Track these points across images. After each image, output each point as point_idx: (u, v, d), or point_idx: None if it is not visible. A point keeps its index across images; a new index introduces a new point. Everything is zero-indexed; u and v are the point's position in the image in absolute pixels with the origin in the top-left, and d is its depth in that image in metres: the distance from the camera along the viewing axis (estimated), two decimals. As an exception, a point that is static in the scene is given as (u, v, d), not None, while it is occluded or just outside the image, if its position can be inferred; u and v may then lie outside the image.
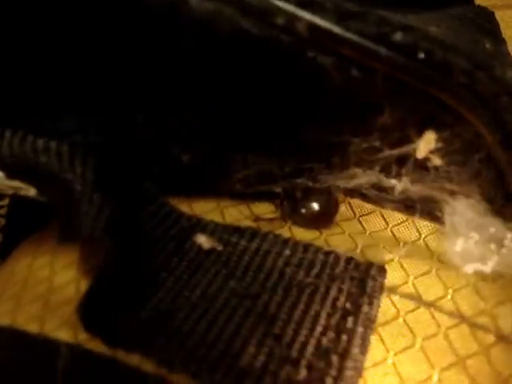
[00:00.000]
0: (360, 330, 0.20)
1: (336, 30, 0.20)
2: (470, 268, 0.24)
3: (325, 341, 0.20)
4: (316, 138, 0.22)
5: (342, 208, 0.26)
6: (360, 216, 0.26)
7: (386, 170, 0.24)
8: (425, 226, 0.26)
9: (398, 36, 0.21)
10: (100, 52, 0.21)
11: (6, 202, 0.27)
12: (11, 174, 0.21)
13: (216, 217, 0.25)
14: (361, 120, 0.22)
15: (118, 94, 0.22)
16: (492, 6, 0.39)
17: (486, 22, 0.33)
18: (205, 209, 0.25)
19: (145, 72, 0.21)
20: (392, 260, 0.23)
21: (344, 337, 0.20)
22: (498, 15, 0.37)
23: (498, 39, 0.30)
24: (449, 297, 0.23)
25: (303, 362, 0.19)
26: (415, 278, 0.23)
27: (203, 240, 0.22)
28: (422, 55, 0.21)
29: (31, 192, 0.21)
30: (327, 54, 0.20)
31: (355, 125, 0.22)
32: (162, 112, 0.22)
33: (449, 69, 0.21)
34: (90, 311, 0.19)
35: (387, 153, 0.23)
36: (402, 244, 0.25)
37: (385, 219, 0.26)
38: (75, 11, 0.20)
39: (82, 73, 0.21)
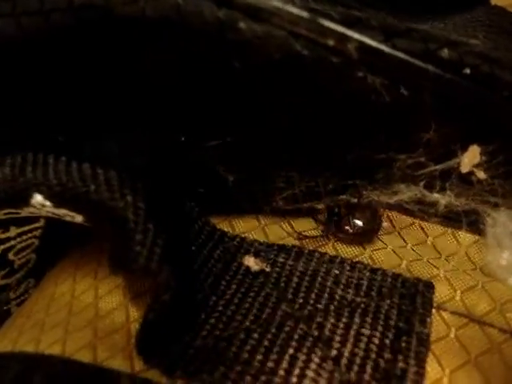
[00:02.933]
0: (415, 349, 0.20)
1: (384, 49, 0.20)
2: (515, 280, 0.24)
3: (382, 362, 0.20)
4: (361, 155, 0.22)
5: (383, 222, 0.26)
6: (400, 229, 0.26)
7: (429, 185, 0.24)
8: (464, 236, 0.26)
9: (444, 52, 0.21)
10: (146, 76, 0.20)
11: (41, 223, 0.27)
12: (60, 203, 0.20)
13: (259, 235, 0.24)
14: (407, 137, 0.22)
15: (163, 116, 0.21)
16: (508, 5, 0.39)
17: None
18: (247, 227, 0.25)
19: (192, 95, 0.21)
20: (438, 275, 0.23)
21: (400, 357, 0.20)
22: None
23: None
24: (497, 310, 0.22)
25: (364, 385, 0.19)
26: (462, 292, 0.23)
27: (252, 261, 0.22)
28: (467, 71, 0.21)
29: (78, 219, 0.21)
30: (377, 74, 0.20)
31: (401, 142, 0.22)
32: (207, 133, 0.22)
33: (494, 83, 0.21)
34: (146, 341, 0.19)
35: (432, 168, 0.23)
36: (444, 256, 0.25)
37: (424, 231, 0.26)
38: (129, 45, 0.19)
39: (128, 95, 0.21)
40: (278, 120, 0.21)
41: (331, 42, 0.19)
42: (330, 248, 0.24)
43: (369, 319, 0.21)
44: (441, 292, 0.23)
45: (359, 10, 0.27)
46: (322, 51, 0.19)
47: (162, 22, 0.19)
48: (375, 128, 0.21)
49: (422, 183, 0.23)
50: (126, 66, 0.20)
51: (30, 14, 0.19)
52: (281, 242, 0.24)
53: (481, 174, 0.23)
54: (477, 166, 0.23)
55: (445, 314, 0.22)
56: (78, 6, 0.19)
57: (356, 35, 0.20)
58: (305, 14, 0.19)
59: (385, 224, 0.25)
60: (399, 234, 0.26)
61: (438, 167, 0.23)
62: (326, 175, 0.23)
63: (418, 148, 0.22)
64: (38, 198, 0.20)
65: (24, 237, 0.27)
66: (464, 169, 0.23)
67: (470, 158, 0.22)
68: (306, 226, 0.26)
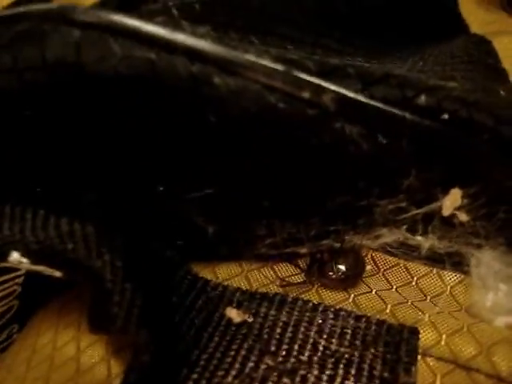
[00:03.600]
0: (400, 401, 0.20)
1: (361, 99, 0.20)
2: (501, 321, 0.23)
3: (367, 416, 0.19)
4: (342, 203, 0.22)
5: (366, 264, 0.26)
6: (384, 270, 0.26)
7: (412, 229, 0.23)
8: (450, 276, 0.26)
9: (421, 99, 0.21)
10: (122, 130, 0.20)
11: (23, 271, 0.26)
12: (37, 261, 0.20)
13: (241, 282, 0.24)
14: (387, 183, 0.22)
15: (141, 169, 0.21)
16: (487, 34, 0.39)
17: (490, 58, 0.33)
18: (229, 274, 0.25)
19: (168, 148, 0.21)
20: (423, 319, 0.23)
21: (385, 410, 0.20)
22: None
23: (505, 79, 0.30)
24: (484, 354, 0.22)
25: None
26: (447, 336, 0.23)
27: (234, 313, 0.22)
28: (446, 116, 0.21)
29: (57, 274, 0.21)
30: (354, 124, 0.20)
31: (381, 188, 0.22)
32: (185, 185, 0.22)
33: (473, 127, 0.21)
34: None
35: (413, 212, 0.23)
36: (429, 298, 0.25)
37: (409, 272, 0.26)
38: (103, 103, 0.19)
39: (104, 148, 0.21)
40: (257, 171, 0.21)
41: (307, 95, 0.19)
42: (313, 293, 0.24)
43: (353, 370, 0.21)
44: (426, 337, 0.23)
45: (339, 52, 0.28)
46: (297, 104, 0.19)
47: (135, 79, 0.19)
48: (354, 176, 0.21)
49: (404, 227, 0.23)
50: (101, 121, 0.20)
51: (3, 72, 0.19)
52: (264, 289, 0.24)
53: (463, 217, 0.23)
54: (459, 208, 0.23)
55: (430, 361, 0.22)
56: (51, 63, 0.19)
57: (332, 86, 0.19)
58: (279, 67, 0.19)
59: (368, 267, 0.25)
60: (384, 275, 0.26)
61: (419, 211, 0.23)
62: (308, 222, 0.23)
63: (398, 193, 0.22)
64: (15, 256, 0.20)
65: (5, 285, 0.27)
66: (446, 212, 0.22)
67: (452, 201, 0.22)
68: (290, 271, 0.25)
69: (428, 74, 0.26)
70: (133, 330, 0.18)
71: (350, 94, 0.20)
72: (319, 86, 0.19)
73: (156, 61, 0.19)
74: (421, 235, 0.23)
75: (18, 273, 0.26)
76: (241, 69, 0.19)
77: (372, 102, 0.20)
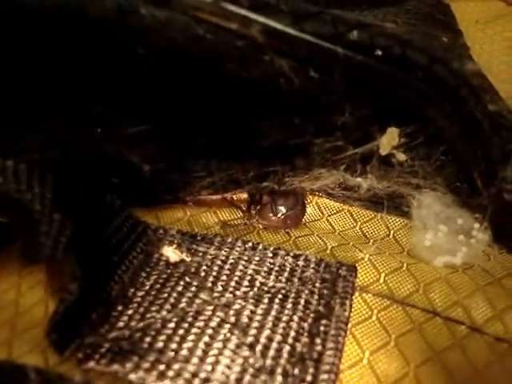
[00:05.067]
0: (333, 332, 0.20)
1: (291, 31, 0.20)
2: (440, 261, 0.24)
3: (299, 346, 0.20)
4: (278, 141, 0.22)
5: (310, 209, 0.26)
6: (328, 216, 0.26)
7: (350, 169, 0.24)
8: (394, 221, 0.26)
9: (353, 34, 0.21)
10: (54, 66, 0.20)
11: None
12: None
13: (184, 226, 0.24)
14: (322, 120, 0.22)
15: (76, 107, 0.21)
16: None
17: (442, 15, 0.33)
18: (172, 219, 0.25)
19: (100, 82, 0.20)
20: (363, 258, 0.23)
21: (318, 340, 0.20)
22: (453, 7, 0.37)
23: (455, 32, 0.31)
24: (421, 291, 0.23)
25: (278, 370, 0.19)
26: (386, 275, 0.23)
27: (170, 252, 0.22)
28: (378, 52, 0.21)
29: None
30: (284, 57, 0.20)
31: (316, 125, 0.22)
32: (122, 122, 0.21)
33: (406, 64, 0.21)
34: (60, 334, 0.19)
35: (351, 151, 0.23)
36: (371, 241, 0.25)
37: (353, 217, 0.26)
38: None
39: (40, 88, 0.21)
40: (189, 105, 0.21)
41: (234, 26, 0.19)
42: (254, 236, 0.24)
43: (288, 304, 0.21)
44: (365, 275, 0.23)
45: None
46: (225, 35, 0.19)
47: (61, 10, 0.19)
48: (287, 112, 0.21)
49: (342, 167, 0.23)
50: (34, 56, 0.20)
51: None
52: (205, 232, 0.24)
53: (401, 156, 0.23)
54: (396, 148, 0.23)
55: (367, 297, 0.22)
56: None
57: (261, 18, 0.19)
58: (208, -1, 0.19)
59: (312, 212, 0.25)
60: (327, 220, 0.26)
61: (357, 150, 0.23)
62: (245, 162, 0.23)
63: (334, 131, 0.22)
64: None
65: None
66: (383, 151, 0.23)
67: (389, 140, 0.22)
68: (233, 215, 0.25)
69: (367, 17, 0.26)
70: (60, 257, 0.18)
71: (278, 26, 0.20)
72: (247, 17, 0.19)
73: (82, -8, 0.19)
74: (359, 176, 0.23)
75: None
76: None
77: (302, 35, 0.20)
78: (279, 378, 0.19)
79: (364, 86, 0.21)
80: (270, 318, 0.20)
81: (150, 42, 0.19)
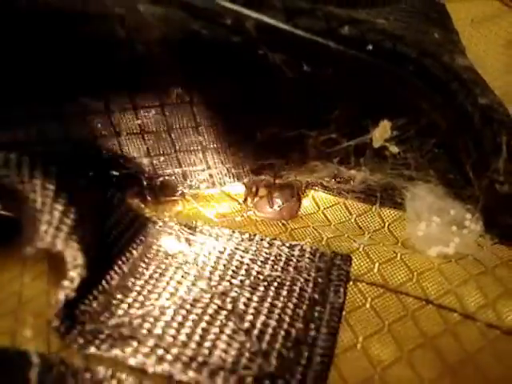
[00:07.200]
0: (327, 318, 0.21)
1: (284, 27, 0.21)
2: (433, 251, 0.24)
3: (293, 331, 0.20)
4: (273, 134, 0.23)
5: (306, 202, 0.26)
6: (324, 209, 0.27)
7: (344, 162, 0.24)
8: (388, 213, 0.27)
9: (345, 30, 0.21)
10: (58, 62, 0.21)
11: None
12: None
13: (183, 219, 0.25)
14: (316, 113, 0.22)
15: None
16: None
17: (435, 13, 0.34)
18: (171, 212, 0.25)
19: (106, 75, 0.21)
20: (357, 249, 0.24)
21: (312, 326, 0.20)
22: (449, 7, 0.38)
23: (448, 29, 0.31)
24: (414, 280, 0.23)
25: (273, 354, 0.19)
26: (380, 264, 0.23)
27: (169, 243, 0.23)
28: (370, 47, 0.21)
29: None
30: (277, 51, 0.21)
31: (310, 118, 0.22)
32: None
33: (397, 58, 0.22)
34: (62, 321, 0.19)
35: (345, 144, 0.23)
36: (366, 233, 0.26)
37: (348, 210, 0.27)
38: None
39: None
40: (186, 100, 0.22)
41: (229, 21, 0.20)
42: (251, 228, 0.25)
43: (284, 292, 0.22)
44: (359, 265, 0.23)
45: None
46: (221, 30, 0.20)
47: (63, 8, 0.19)
48: (282, 105, 0.22)
49: (336, 160, 0.24)
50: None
51: None
52: (203, 225, 0.24)
53: (393, 149, 0.23)
54: (389, 140, 0.23)
55: (362, 286, 0.23)
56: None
57: (254, 14, 0.20)
58: (201, -4, 0.20)
59: (308, 205, 0.26)
60: (323, 213, 0.26)
61: (350, 143, 0.23)
62: (242, 156, 0.23)
63: (328, 124, 0.22)
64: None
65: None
66: (376, 143, 0.23)
67: (381, 133, 0.23)
68: (230, 208, 0.26)
69: (360, 15, 0.27)
70: (61, 245, 0.19)
71: (271, 21, 0.20)
72: (240, 13, 0.20)
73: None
74: (353, 168, 0.24)
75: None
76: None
77: (295, 30, 0.20)
78: (274, 361, 0.19)
79: (357, 79, 0.22)
80: (266, 305, 0.21)
81: (149, 38, 0.20)
